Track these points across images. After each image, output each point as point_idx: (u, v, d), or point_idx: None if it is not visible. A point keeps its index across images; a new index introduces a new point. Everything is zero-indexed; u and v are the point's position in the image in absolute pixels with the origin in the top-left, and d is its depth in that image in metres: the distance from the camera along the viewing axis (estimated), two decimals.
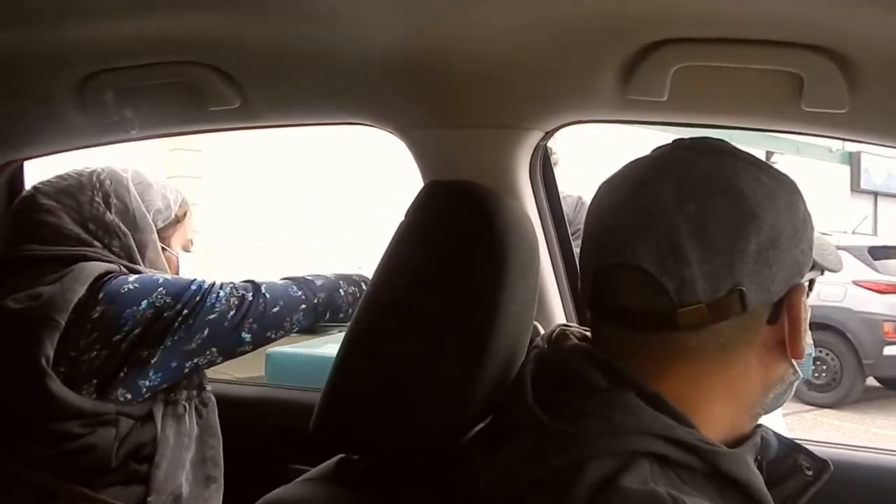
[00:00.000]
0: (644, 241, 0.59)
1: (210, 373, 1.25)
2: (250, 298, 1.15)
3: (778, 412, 0.74)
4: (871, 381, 6.30)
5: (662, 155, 0.65)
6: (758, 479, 0.60)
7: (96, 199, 1.17)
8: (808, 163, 10.69)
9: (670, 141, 0.66)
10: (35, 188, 1.19)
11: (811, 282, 0.66)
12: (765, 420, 0.68)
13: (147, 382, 1.08)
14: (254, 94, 1.15)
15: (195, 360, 1.12)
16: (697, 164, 0.61)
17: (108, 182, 1.19)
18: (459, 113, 1.15)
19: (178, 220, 1.30)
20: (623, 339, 0.61)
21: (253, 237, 6.34)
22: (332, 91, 1.17)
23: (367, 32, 0.97)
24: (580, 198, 2.71)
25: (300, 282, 1.24)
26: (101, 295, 1.07)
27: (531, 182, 1.22)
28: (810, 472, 0.67)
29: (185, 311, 1.09)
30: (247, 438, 1.34)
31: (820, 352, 5.98)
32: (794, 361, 0.63)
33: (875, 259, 6.12)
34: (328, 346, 2.83)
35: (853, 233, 7.83)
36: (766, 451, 0.67)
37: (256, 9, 0.93)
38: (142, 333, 1.07)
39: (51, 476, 1.03)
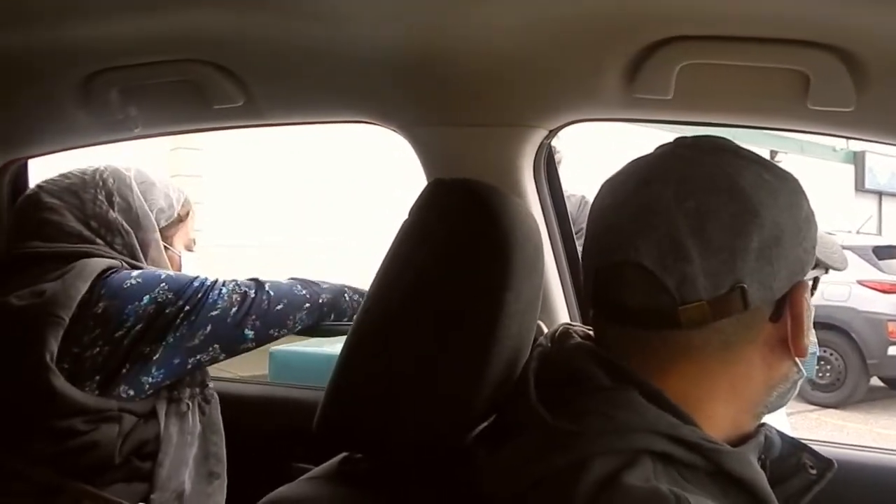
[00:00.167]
0: (645, 239, 0.59)
1: (214, 371, 1.25)
2: (253, 295, 1.16)
3: (781, 411, 0.74)
4: (875, 381, 6.29)
5: (664, 153, 0.65)
6: (761, 478, 0.60)
7: (99, 197, 1.17)
8: (813, 162, 10.67)
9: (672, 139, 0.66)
10: (39, 186, 1.19)
11: (816, 280, 0.66)
12: (768, 419, 0.67)
13: (150, 379, 1.08)
14: (257, 92, 1.15)
15: (198, 357, 1.12)
16: (699, 162, 0.61)
17: (111, 180, 1.20)
18: (463, 111, 1.15)
19: (181, 219, 1.30)
20: (626, 337, 0.61)
21: (254, 236, 6.35)
22: (335, 89, 1.17)
23: (371, 30, 0.97)
24: (583, 196, 2.71)
25: (305, 282, 1.25)
26: (103, 290, 1.07)
27: (535, 180, 1.22)
28: (814, 471, 0.67)
29: (188, 308, 1.09)
30: (250, 437, 1.35)
31: (824, 351, 5.97)
32: (797, 360, 0.63)
33: (879, 259, 6.11)
34: (332, 344, 2.83)
35: (857, 232, 7.82)
36: (770, 450, 0.67)
37: (260, 6, 0.93)
38: (143, 329, 1.07)
39: (54, 473, 1.03)
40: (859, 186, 12.39)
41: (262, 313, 1.15)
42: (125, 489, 1.07)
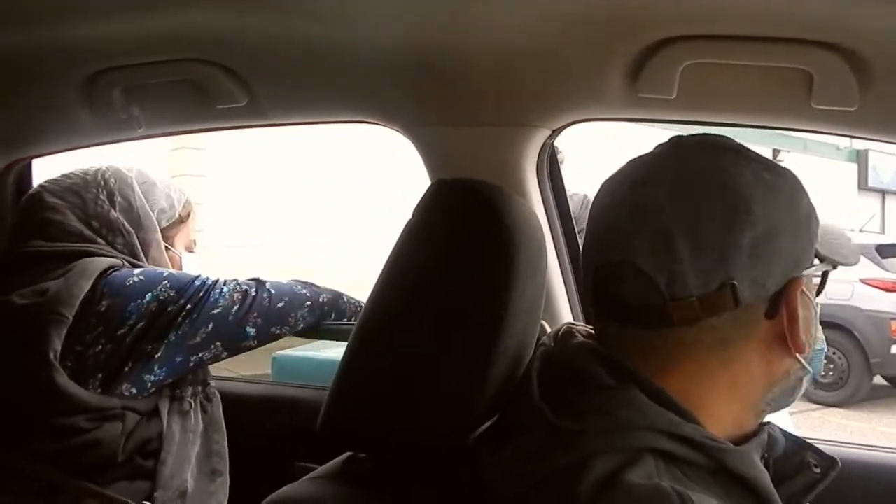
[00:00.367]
0: (639, 238, 0.60)
1: (217, 371, 1.25)
2: (254, 293, 1.16)
3: (785, 410, 0.74)
4: (878, 380, 6.27)
5: (661, 153, 0.65)
6: (764, 477, 0.59)
7: (101, 197, 1.18)
8: (816, 161, 10.64)
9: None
10: (41, 186, 1.20)
11: (824, 276, 0.66)
12: (772, 418, 0.67)
13: (152, 377, 1.08)
14: (260, 92, 1.15)
15: (200, 355, 1.12)
16: (693, 160, 0.62)
17: (112, 181, 1.20)
18: (466, 111, 1.15)
19: (182, 220, 1.30)
20: (626, 336, 0.62)
21: (256, 236, 6.35)
22: (338, 89, 1.17)
23: (373, 30, 0.97)
24: (586, 196, 2.71)
25: (305, 283, 1.26)
26: (105, 288, 1.07)
27: (538, 180, 1.22)
28: (818, 470, 0.67)
29: (189, 306, 1.10)
30: (253, 436, 1.35)
31: (827, 350, 5.95)
32: (802, 357, 0.63)
33: (883, 257, 6.09)
34: (334, 348, 2.83)
35: (861, 231, 7.79)
36: (773, 449, 0.67)
37: (264, 6, 0.93)
38: (146, 327, 1.07)
39: (56, 471, 1.03)
40: (862, 185, 12.37)
41: (263, 311, 1.16)
42: (128, 487, 1.07)
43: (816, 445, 0.69)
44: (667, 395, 0.58)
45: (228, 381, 1.60)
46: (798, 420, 5.20)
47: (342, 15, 0.93)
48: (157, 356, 1.08)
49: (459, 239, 0.68)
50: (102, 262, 1.10)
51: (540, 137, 1.18)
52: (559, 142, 1.28)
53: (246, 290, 1.16)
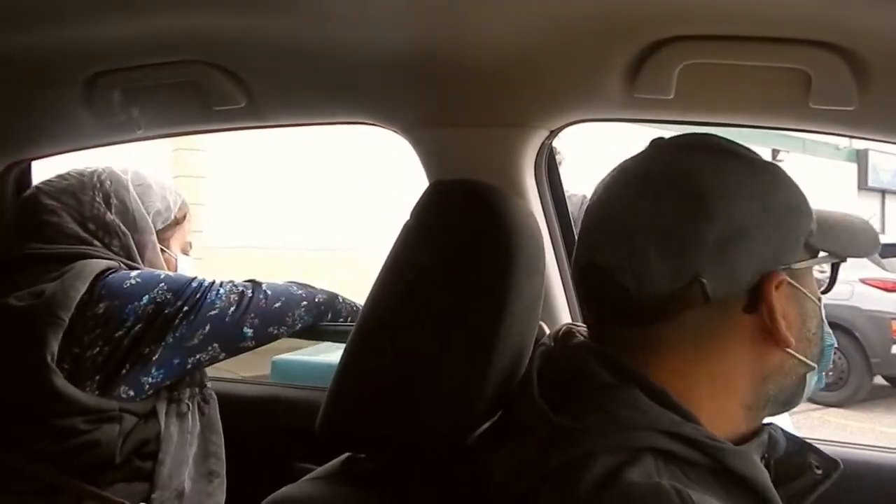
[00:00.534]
0: (610, 238, 0.62)
1: (215, 372, 1.25)
2: (250, 294, 1.17)
3: None
4: (878, 380, 6.27)
5: (640, 154, 0.67)
6: (764, 476, 0.59)
7: (97, 199, 1.18)
8: (815, 161, 10.64)
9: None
10: (37, 188, 1.20)
11: (833, 270, 0.66)
12: (772, 418, 0.67)
13: (150, 379, 1.08)
14: (259, 94, 1.15)
15: (197, 357, 1.12)
16: (663, 161, 0.64)
17: (108, 182, 1.20)
18: (464, 112, 1.15)
19: (178, 222, 1.31)
20: (613, 335, 0.63)
21: (256, 237, 6.35)
22: (337, 90, 1.17)
23: (372, 32, 0.97)
24: (585, 196, 2.70)
25: (301, 284, 1.27)
26: (103, 290, 1.08)
27: (536, 181, 1.22)
28: (820, 471, 0.67)
29: (186, 308, 1.10)
30: (252, 437, 1.35)
31: None
32: (798, 352, 0.63)
33: (883, 257, 6.08)
34: (334, 353, 2.83)
35: None
36: (774, 450, 0.67)
37: (263, 8, 0.93)
38: (143, 329, 1.07)
39: (55, 472, 1.03)
40: (862, 185, 12.36)
41: (260, 311, 1.16)
42: (126, 488, 1.07)
43: (816, 446, 0.69)
44: (667, 395, 0.58)
45: (228, 382, 1.60)
46: (798, 420, 5.20)
47: (340, 17, 0.93)
48: (154, 358, 1.08)
49: (458, 239, 0.68)
50: (99, 265, 1.11)
51: (538, 138, 1.18)
52: (558, 142, 1.28)
53: (242, 292, 1.16)
